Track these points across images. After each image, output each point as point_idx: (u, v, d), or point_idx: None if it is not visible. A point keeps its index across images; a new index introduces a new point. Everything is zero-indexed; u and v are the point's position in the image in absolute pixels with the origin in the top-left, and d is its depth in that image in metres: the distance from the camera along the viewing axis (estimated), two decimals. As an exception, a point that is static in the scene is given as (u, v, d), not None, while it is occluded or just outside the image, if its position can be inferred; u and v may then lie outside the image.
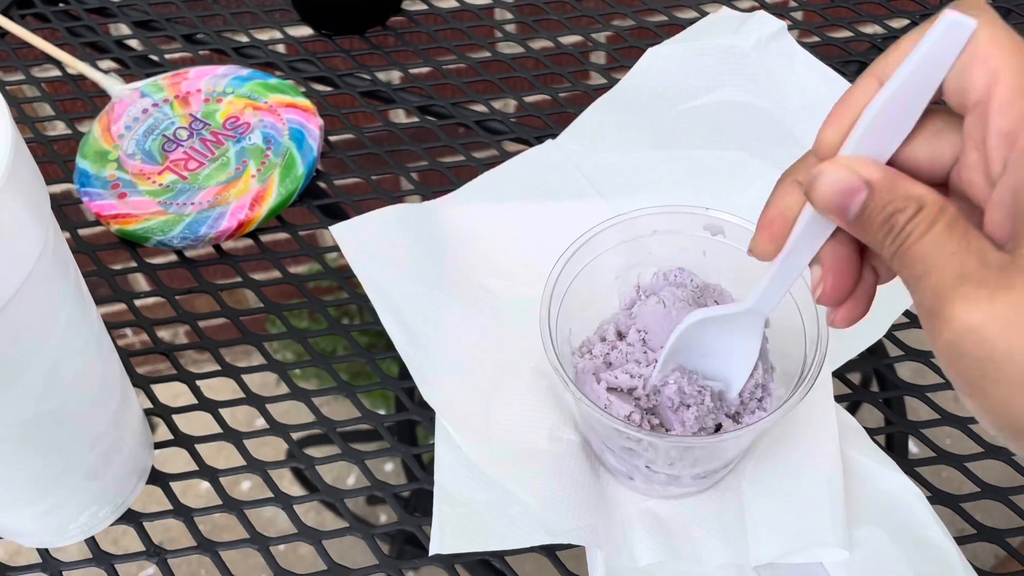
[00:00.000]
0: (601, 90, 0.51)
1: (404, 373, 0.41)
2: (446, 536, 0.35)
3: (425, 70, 0.56)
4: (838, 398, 0.39)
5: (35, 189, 0.27)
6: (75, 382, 0.31)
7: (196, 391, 0.43)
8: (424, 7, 0.60)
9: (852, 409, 0.40)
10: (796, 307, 0.34)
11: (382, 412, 0.42)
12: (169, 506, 0.39)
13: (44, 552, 0.38)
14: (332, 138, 0.52)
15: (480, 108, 0.54)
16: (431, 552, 0.35)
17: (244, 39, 0.58)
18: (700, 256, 0.37)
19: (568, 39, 0.57)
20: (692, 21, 0.52)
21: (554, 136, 0.49)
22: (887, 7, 0.57)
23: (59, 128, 0.54)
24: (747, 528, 0.36)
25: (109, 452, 0.35)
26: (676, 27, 0.53)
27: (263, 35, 0.58)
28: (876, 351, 0.41)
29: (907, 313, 0.42)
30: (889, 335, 0.41)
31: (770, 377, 0.35)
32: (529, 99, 0.54)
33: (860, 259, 0.27)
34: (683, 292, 0.36)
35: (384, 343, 0.42)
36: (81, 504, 0.36)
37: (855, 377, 0.43)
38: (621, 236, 0.36)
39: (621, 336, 0.36)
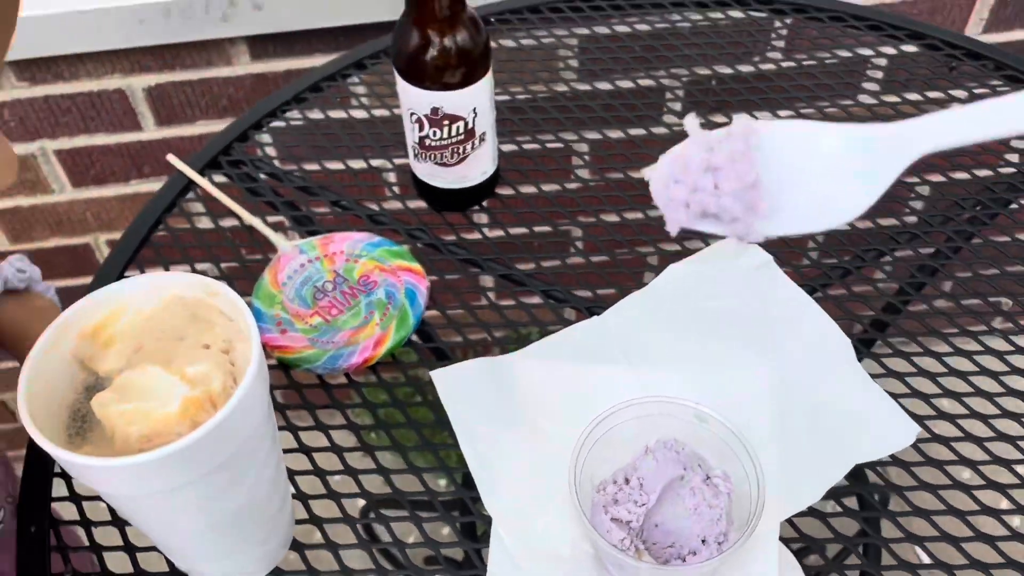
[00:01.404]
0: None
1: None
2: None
3: (509, 242, 0.74)
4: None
5: (265, 373, 0.45)
6: (268, 481, 0.48)
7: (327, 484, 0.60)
8: (512, 192, 0.77)
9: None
10: (754, 474, 0.49)
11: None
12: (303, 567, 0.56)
13: (218, 589, 0.55)
14: (436, 294, 0.70)
15: (547, 277, 0.71)
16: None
17: (376, 208, 0.76)
18: (692, 433, 0.52)
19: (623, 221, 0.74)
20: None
21: (600, 313, 0.66)
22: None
23: (235, 267, 0.73)
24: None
25: (275, 530, 0.52)
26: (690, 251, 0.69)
27: (389, 205, 0.77)
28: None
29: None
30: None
31: (731, 526, 0.50)
32: (590, 280, 0.71)
33: None
34: (673, 455, 0.51)
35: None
36: (246, 564, 0.53)
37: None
38: (635, 413, 0.52)
39: (627, 481, 0.51)
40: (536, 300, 0.69)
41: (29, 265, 0.69)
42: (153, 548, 0.56)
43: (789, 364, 0.59)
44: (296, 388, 0.65)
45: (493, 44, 0.84)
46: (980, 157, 0.78)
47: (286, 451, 0.58)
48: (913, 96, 0.83)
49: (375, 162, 0.80)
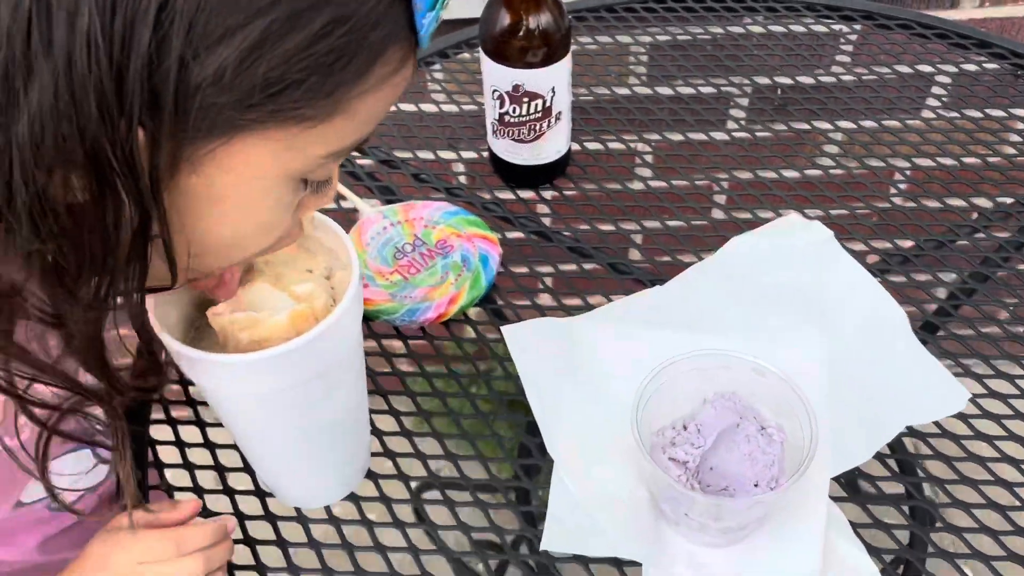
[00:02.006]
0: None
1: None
2: (551, 541, 0.55)
3: (578, 217, 0.78)
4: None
5: (360, 298, 0.49)
6: (355, 402, 0.53)
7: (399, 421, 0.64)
8: (581, 172, 0.82)
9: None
10: (808, 425, 0.52)
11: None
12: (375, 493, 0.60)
13: (298, 510, 0.59)
14: (507, 262, 0.74)
15: (614, 254, 0.74)
16: (541, 548, 0.54)
17: (454, 183, 0.81)
18: (749, 387, 0.55)
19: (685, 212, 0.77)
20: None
21: (663, 283, 0.69)
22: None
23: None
24: (752, 567, 0.53)
25: (357, 453, 0.56)
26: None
27: (468, 181, 0.82)
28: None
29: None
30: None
31: (783, 475, 0.53)
32: (653, 254, 0.74)
33: None
34: (730, 405, 0.54)
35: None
36: (328, 485, 0.57)
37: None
38: (695, 365, 0.55)
39: (685, 427, 0.55)
40: (601, 272, 0.73)
41: None
42: (241, 468, 0.61)
43: (845, 335, 0.62)
44: (375, 338, 0.69)
45: (573, 46, 0.89)
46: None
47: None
48: (973, 113, 0.84)
49: (453, 143, 0.85)
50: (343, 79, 0.35)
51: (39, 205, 0.33)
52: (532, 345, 0.65)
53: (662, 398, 0.55)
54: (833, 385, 0.60)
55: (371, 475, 0.60)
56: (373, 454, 0.61)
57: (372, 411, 0.60)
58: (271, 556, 0.58)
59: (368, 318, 0.70)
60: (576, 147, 0.83)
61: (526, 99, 0.72)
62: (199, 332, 0.50)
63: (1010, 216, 0.75)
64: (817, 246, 0.67)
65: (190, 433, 0.64)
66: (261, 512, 0.59)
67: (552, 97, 0.73)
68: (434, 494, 0.60)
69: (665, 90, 0.90)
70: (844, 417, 0.58)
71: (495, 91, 0.73)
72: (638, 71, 0.95)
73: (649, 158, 0.85)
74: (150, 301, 0.46)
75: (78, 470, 0.58)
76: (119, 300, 0.39)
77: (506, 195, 0.80)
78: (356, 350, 0.51)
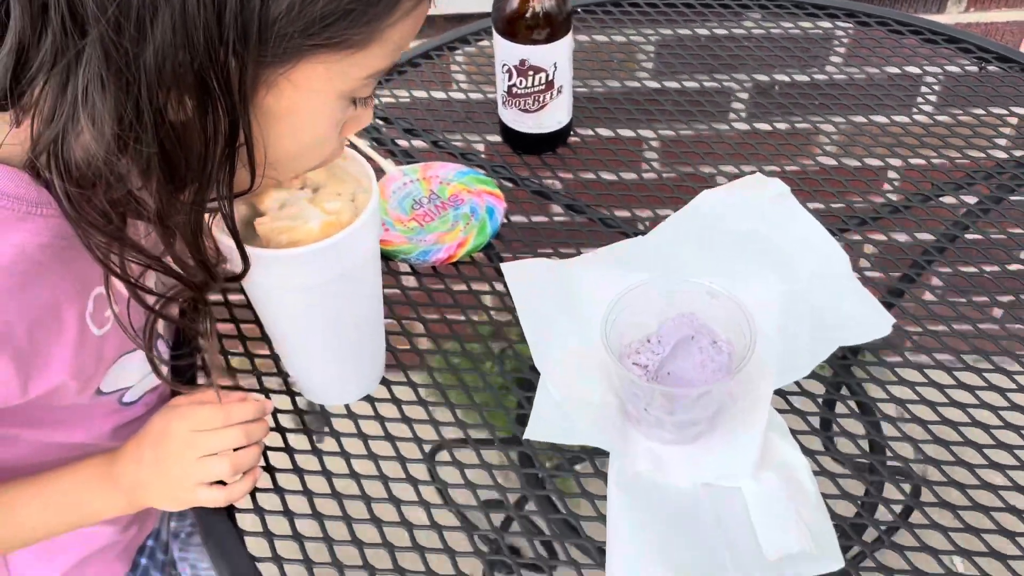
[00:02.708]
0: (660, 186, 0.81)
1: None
2: (535, 431, 0.65)
3: (575, 181, 0.88)
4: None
5: (378, 215, 0.60)
6: (373, 309, 0.64)
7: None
8: (579, 140, 0.92)
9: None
10: (750, 335, 0.62)
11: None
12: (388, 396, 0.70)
13: (321, 407, 0.70)
14: (510, 215, 0.85)
15: (604, 211, 0.85)
16: (524, 437, 0.65)
17: (467, 148, 0.92)
18: (706, 309, 0.65)
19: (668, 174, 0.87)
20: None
21: (644, 234, 0.79)
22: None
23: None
24: (702, 461, 0.63)
25: (374, 356, 0.67)
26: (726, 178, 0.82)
27: (479, 147, 0.92)
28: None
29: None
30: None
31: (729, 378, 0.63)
32: (639, 212, 0.84)
33: None
34: (688, 322, 0.64)
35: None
36: (349, 383, 0.68)
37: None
38: (658, 287, 0.65)
39: (648, 341, 0.65)
40: (592, 226, 0.83)
41: None
42: (276, 372, 0.72)
43: (797, 276, 0.72)
44: (392, 274, 0.80)
45: (583, 38, 1.00)
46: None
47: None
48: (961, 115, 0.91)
49: (470, 117, 0.96)
50: (378, 12, 0.46)
51: (160, 119, 0.44)
52: (527, 279, 0.75)
53: (630, 317, 0.65)
54: (786, 317, 0.69)
55: (388, 437, 0.67)
56: (390, 419, 0.68)
57: (392, 381, 0.70)
58: (299, 441, 0.68)
59: (387, 257, 0.81)
60: (588, 133, 0.93)
61: (531, 72, 0.83)
62: (247, 243, 0.61)
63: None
64: (776, 200, 0.77)
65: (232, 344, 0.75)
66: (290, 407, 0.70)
67: (554, 72, 0.83)
68: (444, 456, 0.66)
69: (671, 83, 0.99)
70: (792, 342, 0.68)
71: (504, 65, 0.84)
72: (646, 65, 1.05)
73: (655, 144, 0.95)
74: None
75: (143, 372, 0.69)
76: (212, 204, 0.50)
77: (514, 160, 0.91)
78: (373, 260, 0.61)
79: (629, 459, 0.63)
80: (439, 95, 0.99)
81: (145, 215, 0.48)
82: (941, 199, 0.84)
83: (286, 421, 0.69)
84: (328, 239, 0.55)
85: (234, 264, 0.56)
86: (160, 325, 0.68)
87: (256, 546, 0.62)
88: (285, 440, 0.68)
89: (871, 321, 0.68)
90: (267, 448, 0.66)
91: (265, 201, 0.61)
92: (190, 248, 0.51)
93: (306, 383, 0.69)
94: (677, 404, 0.61)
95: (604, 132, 0.93)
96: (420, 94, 1.00)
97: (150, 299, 0.53)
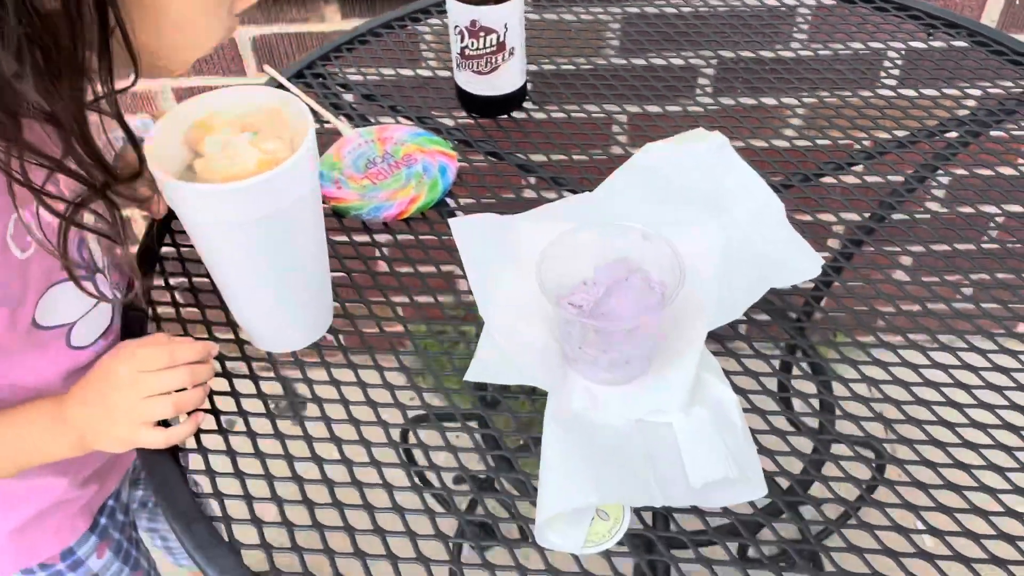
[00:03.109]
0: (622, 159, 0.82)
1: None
2: (475, 373, 0.66)
3: (526, 143, 0.89)
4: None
5: (315, 158, 0.61)
6: (314, 254, 0.65)
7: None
8: (535, 107, 0.93)
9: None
10: (680, 274, 0.63)
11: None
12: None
13: (269, 354, 0.71)
14: (463, 174, 0.86)
15: (554, 169, 0.86)
16: (465, 378, 0.66)
17: (423, 113, 0.94)
18: (640, 252, 0.66)
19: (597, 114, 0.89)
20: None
21: (591, 190, 0.81)
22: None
23: (308, 149, 0.91)
24: (636, 399, 0.64)
25: (318, 303, 0.68)
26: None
27: (436, 112, 0.94)
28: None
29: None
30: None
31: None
32: (579, 161, 0.86)
33: None
34: (622, 264, 0.66)
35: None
36: (294, 329, 0.69)
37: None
38: (595, 233, 0.66)
39: (585, 283, 0.66)
40: (544, 186, 0.85)
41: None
42: (225, 323, 0.73)
43: (735, 223, 0.73)
44: (344, 230, 0.81)
45: (537, 16, 1.01)
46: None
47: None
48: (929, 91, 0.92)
49: (425, 73, 0.98)
50: None
51: (23, 6, 0.45)
52: (473, 233, 0.76)
53: (567, 262, 0.66)
54: (723, 262, 0.71)
55: (353, 421, 0.66)
56: (357, 402, 0.67)
57: (360, 365, 0.69)
58: (246, 386, 0.70)
59: (340, 214, 0.82)
60: (552, 108, 0.94)
61: (482, 33, 0.84)
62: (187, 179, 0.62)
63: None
64: (716, 151, 0.78)
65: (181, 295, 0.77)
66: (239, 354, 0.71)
67: (505, 33, 0.85)
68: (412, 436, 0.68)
69: (638, 60, 1.00)
70: (728, 285, 0.69)
71: (456, 27, 0.85)
72: (612, 43, 1.06)
73: (622, 119, 0.95)
74: (150, 154, 0.59)
75: (84, 306, 0.69)
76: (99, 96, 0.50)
77: (468, 121, 0.92)
78: (312, 202, 0.63)
79: (565, 397, 0.65)
80: (399, 65, 1.01)
81: (27, 108, 0.49)
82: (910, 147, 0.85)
83: (233, 367, 0.71)
84: (262, 174, 0.57)
85: (172, 199, 0.58)
86: (99, 257, 0.69)
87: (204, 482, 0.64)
88: (231, 384, 0.70)
89: (802, 264, 0.70)
90: (213, 392, 0.68)
91: (204, 144, 0.63)
92: (79, 144, 0.51)
93: (251, 329, 0.70)
94: (610, 340, 0.63)
95: (568, 109, 0.94)
96: (381, 64, 1.01)
97: (59, 206, 0.54)
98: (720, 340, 0.69)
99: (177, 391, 0.63)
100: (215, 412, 0.67)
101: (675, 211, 0.75)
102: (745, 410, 0.63)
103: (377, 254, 0.79)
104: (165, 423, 0.64)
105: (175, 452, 0.65)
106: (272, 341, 0.71)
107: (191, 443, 0.66)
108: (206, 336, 0.73)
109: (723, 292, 0.68)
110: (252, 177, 0.56)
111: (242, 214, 0.58)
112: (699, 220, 0.74)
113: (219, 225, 0.60)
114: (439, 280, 0.77)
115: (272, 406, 0.68)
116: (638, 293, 0.64)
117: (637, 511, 0.60)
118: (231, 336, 0.73)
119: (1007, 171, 0.84)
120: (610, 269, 0.66)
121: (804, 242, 0.71)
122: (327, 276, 0.70)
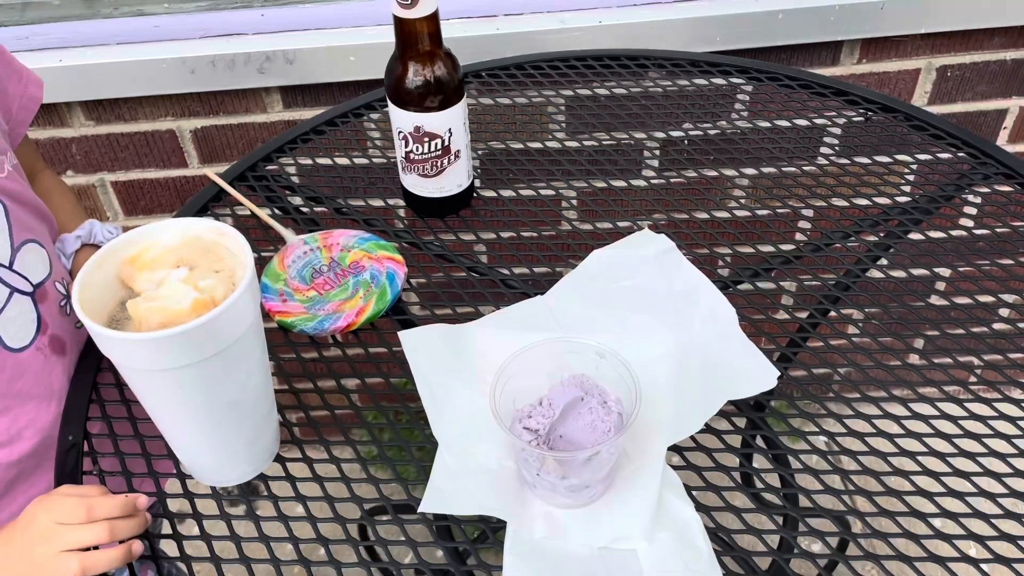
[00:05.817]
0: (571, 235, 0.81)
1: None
2: (430, 503, 0.63)
3: (476, 244, 0.88)
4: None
5: (256, 291, 0.59)
6: (257, 385, 0.62)
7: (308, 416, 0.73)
8: (483, 206, 0.93)
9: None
10: (636, 393, 0.62)
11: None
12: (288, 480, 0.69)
13: (213, 488, 0.68)
14: (412, 279, 0.84)
15: (504, 271, 0.85)
16: (420, 510, 0.63)
17: (370, 214, 0.92)
18: (595, 369, 0.65)
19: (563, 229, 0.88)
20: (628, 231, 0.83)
21: (543, 294, 0.79)
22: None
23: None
24: (599, 523, 0.62)
25: (262, 434, 0.65)
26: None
27: (383, 212, 0.92)
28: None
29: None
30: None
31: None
32: (538, 270, 0.85)
33: None
34: (578, 383, 0.64)
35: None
36: (239, 461, 0.66)
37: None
38: (548, 350, 0.65)
39: (540, 403, 0.64)
40: (494, 286, 0.83)
41: (119, 231, 0.85)
42: (165, 455, 0.69)
43: (687, 330, 0.72)
44: (291, 345, 0.79)
45: (488, 101, 1.01)
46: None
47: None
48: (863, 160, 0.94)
49: (374, 184, 0.96)
50: None
51: None
52: (424, 346, 0.74)
53: (520, 381, 0.64)
54: (679, 373, 0.70)
55: (300, 499, 0.66)
56: (302, 479, 0.67)
57: (314, 459, 0.68)
58: (187, 528, 0.66)
59: (286, 329, 0.80)
60: (497, 194, 0.93)
61: (427, 139, 0.83)
62: (120, 324, 0.59)
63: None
64: (663, 255, 0.78)
65: (122, 426, 0.73)
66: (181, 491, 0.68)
67: (449, 137, 0.84)
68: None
69: (582, 141, 1.01)
70: (684, 398, 0.68)
71: (400, 132, 0.84)
72: (559, 122, 1.06)
73: (572, 198, 0.95)
74: (76, 296, 0.56)
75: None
76: None
77: (417, 223, 0.91)
78: (253, 335, 0.60)
79: (526, 526, 0.62)
80: (343, 162, 1.00)
81: None
82: (832, 247, 0.86)
83: (175, 506, 0.67)
84: (198, 318, 0.54)
85: (104, 348, 0.55)
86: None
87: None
88: (174, 527, 0.66)
89: (757, 375, 0.69)
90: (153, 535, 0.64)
91: (139, 281, 0.60)
92: None
93: (191, 464, 0.67)
94: (568, 468, 0.61)
95: (512, 192, 0.94)
96: (324, 161, 1.00)
97: None
98: (680, 452, 0.67)
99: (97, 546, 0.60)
100: (156, 559, 0.63)
101: (625, 318, 0.74)
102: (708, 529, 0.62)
103: (326, 371, 0.77)
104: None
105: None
106: (216, 476, 0.67)
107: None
108: (145, 469, 0.69)
109: (680, 406, 0.67)
110: (187, 323, 0.54)
111: (178, 360, 0.56)
112: (650, 327, 0.73)
113: (148, 371, 0.57)
114: (391, 396, 0.75)
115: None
116: (595, 414, 0.62)
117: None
118: (173, 471, 0.69)
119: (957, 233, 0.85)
120: (565, 388, 0.64)
121: (758, 351, 0.70)
122: (272, 404, 0.67)
